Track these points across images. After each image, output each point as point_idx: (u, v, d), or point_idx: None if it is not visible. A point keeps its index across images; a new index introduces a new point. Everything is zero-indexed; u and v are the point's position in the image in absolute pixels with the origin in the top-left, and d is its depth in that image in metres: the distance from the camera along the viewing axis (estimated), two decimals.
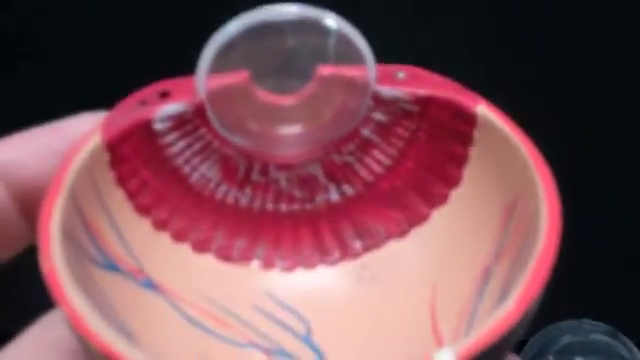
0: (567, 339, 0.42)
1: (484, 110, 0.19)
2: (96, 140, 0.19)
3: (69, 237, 0.17)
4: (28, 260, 0.18)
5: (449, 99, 0.20)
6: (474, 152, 0.20)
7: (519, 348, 0.44)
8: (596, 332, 0.43)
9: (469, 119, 0.19)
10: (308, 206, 0.22)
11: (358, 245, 0.22)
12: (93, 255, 0.18)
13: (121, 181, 0.19)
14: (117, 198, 0.19)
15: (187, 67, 0.20)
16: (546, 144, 0.18)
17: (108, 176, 0.19)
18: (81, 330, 0.14)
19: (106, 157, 0.19)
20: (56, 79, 0.41)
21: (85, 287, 0.16)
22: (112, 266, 0.19)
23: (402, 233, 0.21)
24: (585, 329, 0.43)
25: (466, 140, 0.20)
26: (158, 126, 0.20)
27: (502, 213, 0.19)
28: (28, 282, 0.16)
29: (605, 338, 0.43)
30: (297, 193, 0.22)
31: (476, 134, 0.19)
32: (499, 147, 0.19)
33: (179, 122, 0.20)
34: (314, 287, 0.21)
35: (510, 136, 0.18)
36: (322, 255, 0.22)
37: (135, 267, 0.19)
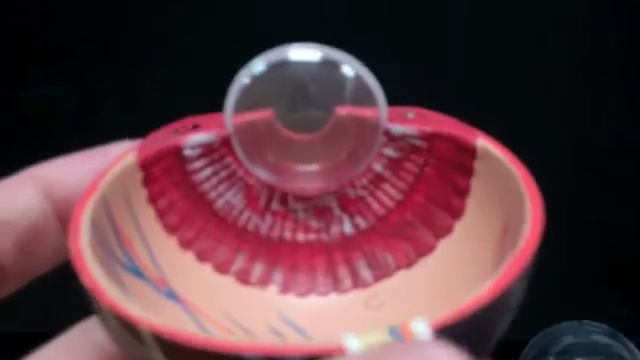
0: (568, 340, 0.41)
1: (483, 142, 0.21)
2: (131, 158, 0.21)
3: (97, 230, 0.19)
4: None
5: (452, 134, 0.21)
6: (475, 183, 0.21)
7: (519, 349, 0.43)
8: (597, 333, 0.41)
9: (470, 152, 0.21)
10: (323, 236, 0.23)
11: (369, 275, 0.23)
12: (120, 257, 0.20)
13: (152, 199, 0.22)
14: (148, 214, 0.21)
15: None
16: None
17: (141, 193, 0.21)
18: (98, 296, 0.16)
19: (139, 175, 0.21)
20: (57, 80, 0.43)
21: (109, 272, 0.18)
22: (137, 271, 0.20)
23: (410, 263, 0.23)
24: (586, 330, 0.41)
25: (468, 172, 0.21)
26: (188, 152, 0.22)
27: (498, 237, 0.20)
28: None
29: (606, 339, 0.41)
30: (313, 224, 0.23)
31: (477, 165, 0.21)
32: (497, 175, 0.20)
33: (207, 150, 0.22)
34: (325, 312, 0.23)
35: (506, 164, 0.20)
36: (335, 283, 0.23)
37: (159, 277, 0.21)
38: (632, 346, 0.42)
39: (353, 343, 0.14)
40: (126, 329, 0.16)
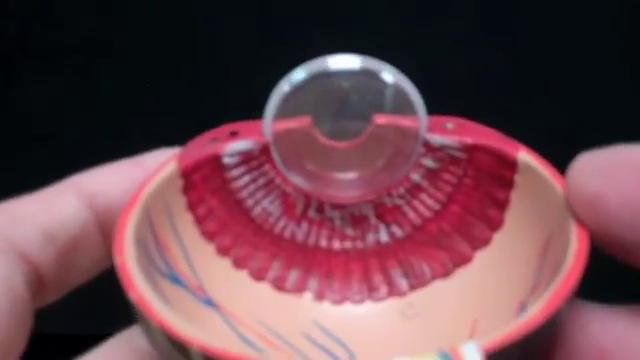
0: None
1: (524, 156, 0.21)
2: (172, 167, 0.21)
3: (140, 243, 0.19)
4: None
5: (493, 146, 0.21)
6: (515, 196, 0.21)
7: None
8: None
9: (511, 165, 0.21)
10: (359, 244, 0.23)
11: (404, 284, 0.23)
12: (160, 266, 0.20)
13: (191, 206, 0.22)
14: (186, 222, 0.22)
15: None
16: None
17: (180, 201, 0.21)
18: (147, 313, 0.16)
19: (179, 183, 0.21)
20: (58, 81, 0.43)
21: (152, 284, 0.18)
22: (176, 279, 0.20)
23: (446, 273, 0.23)
24: None
25: (508, 184, 0.21)
26: (227, 160, 0.22)
27: (539, 251, 0.20)
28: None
29: None
30: (349, 231, 0.23)
31: (517, 179, 0.21)
32: (538, 190, 0.20)
33: (246, 158, 0.22)
34: (360, 320, 0.23)
35: (548, 179, 0.20)
36: (370, 291, 0.23)
37: (197, 285, 0.21)
38: None
39: None
40: (174, 346, 0.16)
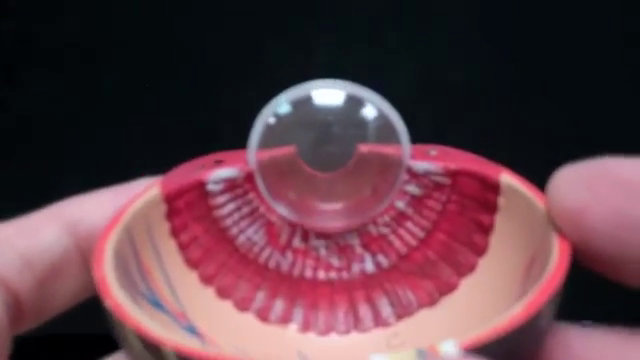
0: None
1: (507, 178, 0.21)
2: (155, 192, 0.21)
3: (121, 260, 0.19)
4: None
5: (476, 170, 0.21)
6: (499, 219, 0.21)
7: None
8: None
9: (494, 187, 0.21)
10: (345, 275, 0.23)
11: (390, 314, 0.23)
12: (142, 289, 0.20)
13: (174, 233, 0.21)
14: (169, 248, 0.21)
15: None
16: None
17: (163, 226, 0.21)
18: (121, 317, 0.16)
19: (163, 208, 0.21)
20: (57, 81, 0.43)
21: (132, 298, 0.17)
22: (159, 305, 0.20)
23: (432, 302, 0.22)
24: None
25: (492, 208, 0.21)
26: (211, 187, 0.22)
27: (523, 269, 0.20)
28: None
29: None
30: (335, 261, 0.23)
31: (500, 201, 0.21)
32: (521, 211, 0.20)
33: (230, 185, 0.22)
34: (346, 352, 0.22)
35: (531, 199, 0.20)
36: (355, 322, 0.23)
37: (179, 311, 0.21)
38: None
39: None
40: (148, 349, 0.16)
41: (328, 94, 0.22)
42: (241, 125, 0.23)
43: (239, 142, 0.22)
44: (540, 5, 0.41)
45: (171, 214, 0.21)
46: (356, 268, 0.23)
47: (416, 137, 0.22)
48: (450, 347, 0.14)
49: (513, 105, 0.41)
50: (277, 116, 0.22)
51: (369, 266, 0.23)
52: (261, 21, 0.42)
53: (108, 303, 0.16)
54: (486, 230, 0.22)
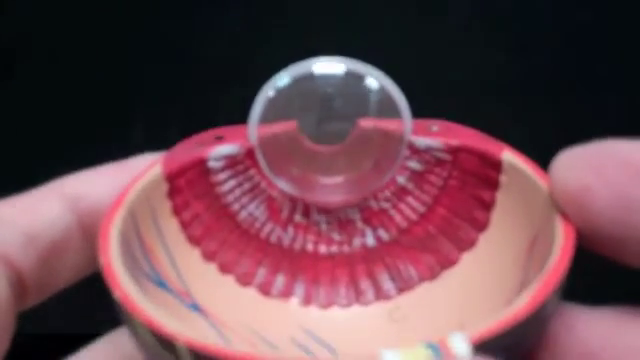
0: None
1: (509, 156, 0.21)
2: (157, 171, 0.21)
3: (125, 244, 0.19)
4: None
5: (478, 147, 0.21)
6: (500, 196, 0.21)
7: None
8: None
9: (495, 165, 0.21)
10: (346, 249, 0.23)
11: (391, 287, 0.23)
12: (145, 269, 0.20)
13: (176, 211, 0.21)
14: (171, 227, 0.21)
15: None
16: None
17: (165, 205, 0.21)
18: (132, 310, 0.16)
19: (164, 187, 0.21)
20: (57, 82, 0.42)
21: (138, 284, 0.18)
22: (162, 283, 0.20)
23: (433, 276, 0.23)
24: None
25: (493, 185, 0.21)
26: (212, 164, 0.22)
27: (525, 249, 0.20)
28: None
29: None
30: (336, 236, 0.23)
31: (502, 179, 0.21)
32: (523, 189, 0.20)
33: (231, 162, 0.22)
34: (348, 325, 0.23)
35: (533, 178, 0.20)
36: (357, 295, 0.23)
37: (183, 290, 0.21)
38: None
39: (392, 359, 0.14)
40: (161, 344, 0.16)
41: (329, 67, 0.22)
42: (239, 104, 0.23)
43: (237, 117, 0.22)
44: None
45: (172, 193, 0.21)
46: (357, 242, 0.23)
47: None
48: (459, 342, 0.15)
49: (514, 105, 0.41)
50: (278, 90, 0.22)
51: (370, 240, 0.23)
52: (259, 15, 0.41)
53: (117, 294, 0.17)
54: (487, 206, 0.22)
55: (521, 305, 0.16)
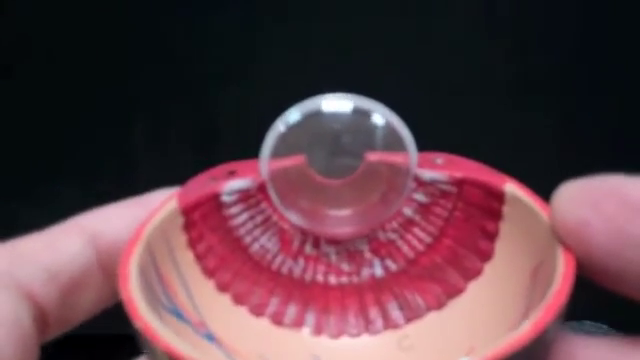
0: None
1: (512, 188, 0.22)
2: (173, 205, 0.22)
3: (144, 276, 0.19)
4: None
5: (481, 179, 0.22)
6: (504, 226, 0.22)
7: None
8: (597, 334, 0.41)
9: (499, 196, 0.22)
10: (355, 279, 0.24)
11: (400, 317, 0.24)
12: (162, 300, 0.21)
13: (191, 244, 0.22)
14: (187, 259, 0.22)
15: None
16: None
17: (181, 238, 0.22)
18: (153, 339, 0.17)
19: (180, 221, 0.22)
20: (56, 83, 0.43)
21: (157, 314, 0.18)
22: (178, 314, 0.21)
23: (440, 305, 0.23)
24: (586, 331, 0.41)
25: (496, 216, 0.22)
26: (225, 198, 0.23)
27: (529, 277, 0.21)
28: None
29: None
30: (345, 266, 0.24)
31: (505, 210, 0.22)
32: (525, 220, 0.21)
33: (244, 196, 0.23)
34: (358, 353, 0.23)
35: (535, 209, 0.21)
36: (366, 325, 0.24)
37: (199, 320, 0.22)
38: None
39: None
40: None
41: (337, 105, 0.23)
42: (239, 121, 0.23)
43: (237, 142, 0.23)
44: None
45: (188, 226, 0.22)
46: (366, 273, 0.24)
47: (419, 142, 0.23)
48: None
49: (513, 106, 0.42)
50: (288, 126, 0.23)
51: (378, 271, 0.24)
52: (260, 14, 0.42)
53: (138, 325, 0.17)
54: (491, 237, 0.22)
55: (524, 331, 0.16)
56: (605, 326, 0.44)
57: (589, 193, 0.18)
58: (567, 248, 0.19)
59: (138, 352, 0.18)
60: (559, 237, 0.19)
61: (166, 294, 0.21)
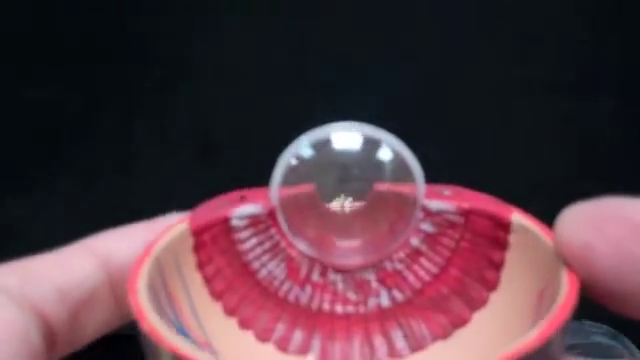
0: (568, 341, 0.41)
1: (518, 218, 0.22)
2: (184, 226, 0.22)
3: (152, 288, 0.20)
4: None
5: (488, 210, 0.23)
6: (509, 256, 0.22)
7: None
8: (597, 334, 0.40)
9: (505, 226, 0.22)
10: (361, 308, 0.24)
11: (404, 346, 0.24)
12: (171, 318, 0.21)
13: (200, 265, 0.23)
14: (196, 280, 0.22)
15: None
16: None
17: (190, 259, 0.22)
18: (158, 340, 0.17)
19: (190, 242, 0.22)
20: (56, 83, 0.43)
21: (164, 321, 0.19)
22: (185, 334, 0.21)
23: (445, 335, 0.23)
24: (586, 331, 0.40)
25: (502, 246, 0.22)
26: (235, 222, 0.23)
27: (533, 303, 0.21)
28: None
29: (606, 340, 0.40)
30: (352, 296, 0.24)
31: (511, 239, 0.22)
32: (530, 248, 0.21)
33: (253, 221, 0.23)
34: None
35: (540, 236, 0.21)
36: (371, 353, 0.24)
37: (204, 341, 0.22)
38: (633, 347, 0.41)
39: None
40: None
41: (347, 137, 0.24)
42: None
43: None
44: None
45: (198, 248, 0.22)
46: (372, 302, 0.24)
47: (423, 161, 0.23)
48: None
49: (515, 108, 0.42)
50: (298, 157, 0.23)
51: (385, 300, 0.24)
52: (260, 14, 0.42)
53: (144, 327, 0.18)
54: (497, 266, 0.23)
55: (527, 341, 0.16)
56: (605, 326, 0.43)
57: (593, 216, 0.19)
58: (572, 269, 0.19)
59: (138, 353, 0.19)
60: (564, 261, 0.19)
61: (173, 311, 0.21)
